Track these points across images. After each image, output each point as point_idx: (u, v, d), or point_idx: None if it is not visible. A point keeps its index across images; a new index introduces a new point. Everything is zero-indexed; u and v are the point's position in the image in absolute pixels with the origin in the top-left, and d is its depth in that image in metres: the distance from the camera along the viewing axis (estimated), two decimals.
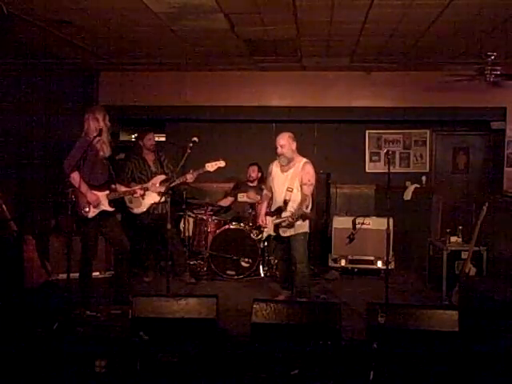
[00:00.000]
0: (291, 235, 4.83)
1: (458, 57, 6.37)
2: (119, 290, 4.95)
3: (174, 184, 5.50)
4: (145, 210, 5.66)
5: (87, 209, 4.60)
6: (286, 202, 4.67)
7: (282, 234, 4.87)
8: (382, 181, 6.17)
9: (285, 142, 4.78)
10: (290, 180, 4.76)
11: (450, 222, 6.27)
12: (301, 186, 4.73)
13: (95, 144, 4.57)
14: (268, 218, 4.98)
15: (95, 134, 4.52)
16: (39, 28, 5.22)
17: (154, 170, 5.83)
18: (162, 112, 7.80)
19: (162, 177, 5.70)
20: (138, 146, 5.99)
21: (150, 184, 5.52)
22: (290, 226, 4.71)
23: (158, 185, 5.62)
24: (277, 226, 4.84)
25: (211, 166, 5.44)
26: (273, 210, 4.97)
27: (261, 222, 5.09)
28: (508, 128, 7.39)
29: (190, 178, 5.49)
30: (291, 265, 4.92)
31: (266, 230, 5.09)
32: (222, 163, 5.46)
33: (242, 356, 3.45)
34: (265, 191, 5.26)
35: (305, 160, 4.85)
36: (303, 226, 4.84)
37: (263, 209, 5.11)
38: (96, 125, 4.59)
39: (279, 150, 4.78)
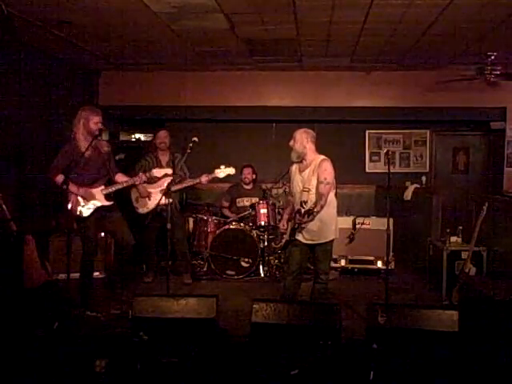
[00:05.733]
0: (317, 244, 4.38)
1: (458, 57, 6.38)
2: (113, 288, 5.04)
3: (184, 185, 5.55)
4: (149, 210, 5.57)
5: (79, 208, 4.66)
6: (302, 204, 4.18)
7: (305, 242, 4.39)
8: (382, 181, 6.17)
9: (298, 137, 4.44)
10: (307, 180, 4.36)
11: (450, 222, 6.27)
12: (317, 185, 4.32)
13: (86, 146, 4.59)
14: (289, 223, 4.52)
15: (96, 134, 4.60)
16: (39, 28, 5.22)
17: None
18: (162, 112, 7.81)
19: (169, 178, 5.56)
20: (153, 145, 5.92)
21: (152, 172, 5.27)
22: (309, 229, 4.31)
23: (164, 186, 5.47)
24: (293, 231, 4.38)
25: (219, 173, 5.40)
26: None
27: (281, 227, 4.64)
28: (508, 128, 7.40)
29: (204, 180, 5.45)
30: (302, 277, 4.56)
31: (285, 236, 4.60)
32: (231, 170, 5.42)
33: (241, 356, 3.45)
34: (288, 196, 4.91)
35: (322, 157, 4.42)
36: (331, 232, 4.41)
37: (286, 215, 4.67)
38: (82, 134, 4.65)
39: (291, 142, 4.45)
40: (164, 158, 5.83)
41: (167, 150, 5.83)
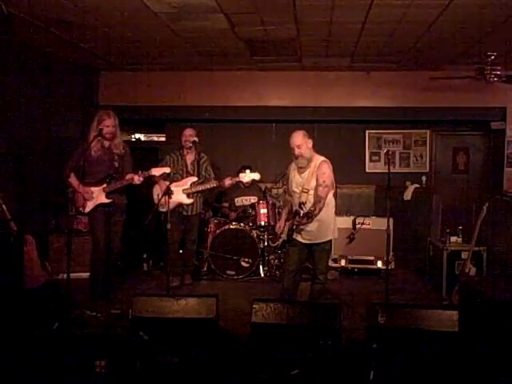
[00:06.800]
0: (315, 243, 4.40)
1: (457, 57, 6.38)
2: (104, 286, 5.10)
3: (207, 187, 5.52)
4: (169, 209, 5.40)
5: (82, 204, 4.92)
6: (301, 206, 4.13)
7: (303, 241, 4.40)
8: (382, 181, 6.17)
9: (301, 142, 4.32)
10: (306, 181, 4.33)
11: (450, 222, 6.27)
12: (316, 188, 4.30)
13: (93, 147, 4.86)
14: (287, 223, 4.52)
15: (95, 134, 4.81)
16: (39, 28, 5.21)
17: (190, 171, 5.66)
18: (162, 112, 7.80)
19: (194, 179, 5.58)
20: (179, 143, 5.81)
21: (151, 171, 5.08)
22: (305, 229, 4.32)
23: (187, 186, 5.54)
24: (291, 231, 4.35)
25: (244, 177, 5.34)
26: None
27: (277, 228, 4.69)
28: (508, 128, 7.39)
29: (228, 183, 5.45)
30: (300, 277, 4.56)
31: (282, 236, 4.58)
32: (256, 176, 5.36)
33: (241, 356, 3.45)
34: (287, 196, 4.86)
35: (322, 158, 4.38)
36: (330, 232, 4.42)
37: (283, 214, 4.71)
38: (92, 133, 4.90)
39: (297, 151, 4.32)
40: (190, 156, 5.73)
41: (193, 148, 5.70)
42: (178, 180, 5.58)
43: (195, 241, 5.93)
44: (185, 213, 5.66)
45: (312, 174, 4.32)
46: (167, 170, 5.22)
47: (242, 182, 5.51)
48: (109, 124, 4.84)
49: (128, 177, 4.95)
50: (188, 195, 5.55)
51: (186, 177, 5.63)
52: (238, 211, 6.61)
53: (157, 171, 5.07)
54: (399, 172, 7.76)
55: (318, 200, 4.21)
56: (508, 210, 5.44)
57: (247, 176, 5.36)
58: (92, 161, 4.89)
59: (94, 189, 4.90)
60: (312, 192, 4.30)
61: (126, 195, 5.15)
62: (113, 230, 5.00)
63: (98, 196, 4.90)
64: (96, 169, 4.92)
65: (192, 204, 5.64)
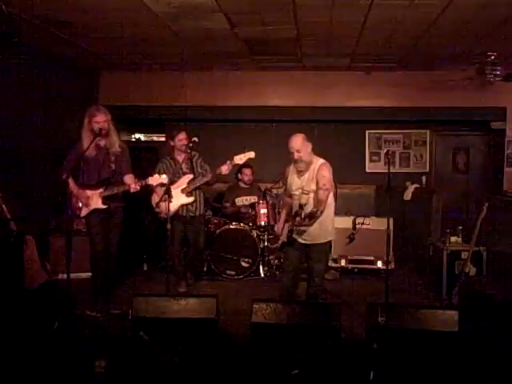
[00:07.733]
0: (312, 244, 4.36)
1: (457, 57, 6.38)
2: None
3: (205, 180, 5.43)
4: (172, 213, 5.16)
5: (78, 208, 4.76)
6: (301, 207, 4.10)
7: (301, 241, 4.36)
8: (382, 181, 6.15)
9: (300, 146, 4.26)
10: (306, 184, 4.27)
11: (450, 222, 6.27)
12: (316, 191, 4.25)
13: (87, 148, 4.66)
14: (286, 225, 4.47)
15: (97, 133, 4.62)
16: (39, 28, 5.22)
17: (186, 171, 5.55)
18: (161, 112, 7.80)
19: (190, 176, 5.48)
20: (169, 147, 5.69)
21: (148, 180, 4.93)
22: (303, 232, 4.29)
23: (185, 185, 5.45)
24: (291, 232, 4.28)
25: (240, 159, 5.29)
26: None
27: (276, 230, 4.69)
28: (508, 128, 7.40)
29: (225, 169, 5.34)
30: (299, 277, 4.55)
31: (281, 238, 4.55)
32: (251, 154, 5.28)
33: (242, 356, 3.45)
34: (285, 198, 4.78)
35: (321, 161, 4.34)
36: (328, 233, 4.41)
37: (283, 216, 4.66)
38: (85, 133, 4.71)
39: (296, 155, 4.27)
40: (181, 157, 5.60)
41: (185, 150, 5.58)
42: (174, 182, 5.43)
43: (204, 242, 5.85)
44: (191, 214, 5.54)
45: (312, 178, 4.29)
46: (164, 180, 4.99)
47: (238, 164, 5.44)
48: (100, 120, 4.61)
49: (126, 181, 4.85)
50: (187, 194, 5.50)
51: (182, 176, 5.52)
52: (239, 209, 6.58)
53: (153, 180, 4.87)
54: (399, 172, 7.76)
55: (319, 203, 4.19)
56: (508, 210, 5.44)
57: (240, 158, 5.30)
58: (86, 160, 4.70)
59: (90, 193, 4.73)
60: (312, 194, 4.26)
61: (125, 196, 5.06)
62: (110, 233, 4.88)
63: (94, 201, 4.74)
64: (91, 169, 4.74)
65: (195, 202, 5.54)
